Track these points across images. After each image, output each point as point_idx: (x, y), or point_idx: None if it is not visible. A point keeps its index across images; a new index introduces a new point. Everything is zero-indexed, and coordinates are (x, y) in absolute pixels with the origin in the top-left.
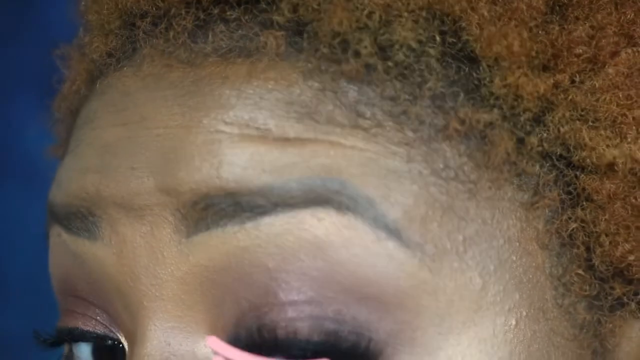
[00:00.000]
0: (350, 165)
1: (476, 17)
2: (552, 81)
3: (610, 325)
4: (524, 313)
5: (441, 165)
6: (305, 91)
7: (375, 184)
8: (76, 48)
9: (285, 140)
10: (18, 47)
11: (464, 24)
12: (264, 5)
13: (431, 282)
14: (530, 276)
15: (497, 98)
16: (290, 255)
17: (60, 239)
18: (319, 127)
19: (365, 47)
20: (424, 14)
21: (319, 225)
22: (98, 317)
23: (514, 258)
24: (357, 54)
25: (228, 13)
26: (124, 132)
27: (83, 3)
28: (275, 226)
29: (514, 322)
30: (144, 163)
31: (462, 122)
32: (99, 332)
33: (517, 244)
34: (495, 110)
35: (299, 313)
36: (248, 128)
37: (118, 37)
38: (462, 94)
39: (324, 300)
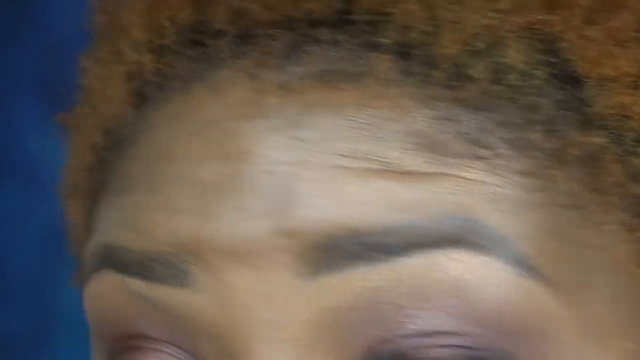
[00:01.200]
0: (477, 201)
1: (578, 36)
2: None
3: None
4: None
5: (557, 193)
6: (420, 120)
7: (503, 219)
8: (103, 63)
9: (407, 175)
10: (18, 47)
11: (565, 45)
12: (365, 27)
13: (564, 315)
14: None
15: (603, 119)
16: (425, 295)
17: (122, 287)
18: (440, 159)
19: (479, 71)
20: (526, 34)
21: (454, 265)
22: (173, 353)
23: (627, 282)
24: (471, 79)
25: (323, 34)
26: (222, 168)
27: (116, 15)
28: (407, 267)
29: (636, 347)
30: (256, 204)
31: (576, 146)
32: None
33: (625, 266)
34: (602, 132)
35: (438, 341)
36: (368, 162)
37: (182, 56)
38: (571, 117)
39: (464, 333)
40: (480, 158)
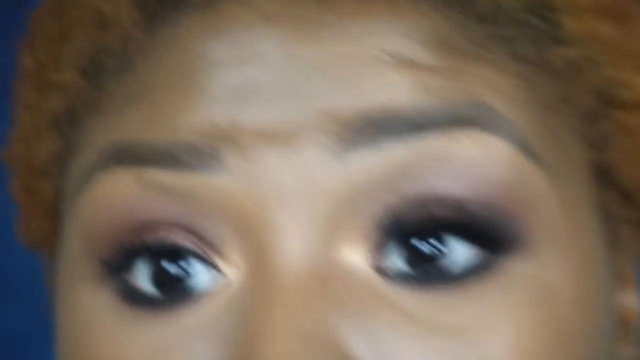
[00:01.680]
0: (488, 92)
1: None
2: (614, 33)
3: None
4: (601, 234)
5: (541, 95)
6: (442, 25)
7: (508, 108)
8: None
9: (434, 68)
10: (17, 47)
11: None
12: None
13: (553, 197)
14: (589, 199)
15: (575, 39)
16: (444, 168)
17: (137, 180)
18: (456, 57)
19: None
20: None
21: (471, 143)
22: (185, 236)
23: (587, 184)
24: (481, 1)
25: None
26: (261, 66)
27: None
28: (432, 143)
29: (597, 226)
30: (297, 91)
31: (554, 57)
32: (190, 248)
33: (584, 170)
34: (574, 50)
35: (447, 203)
36: (401, 56)
37: None
38: (552, 34)
39: (472, 199)
40: (486, 60)
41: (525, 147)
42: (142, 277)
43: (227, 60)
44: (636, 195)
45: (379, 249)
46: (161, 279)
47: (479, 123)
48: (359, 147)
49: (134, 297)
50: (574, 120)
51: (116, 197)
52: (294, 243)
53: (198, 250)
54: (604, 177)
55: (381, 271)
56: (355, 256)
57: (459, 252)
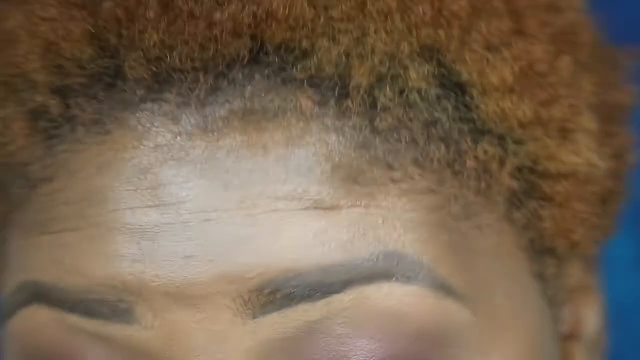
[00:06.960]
0: (398, 233)
1: (460, 45)
2: (534, 106)
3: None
4: (535, 315)
5: (457, 207)
6: (343, 153)
7: (421, 247)
8: None
9: (338, 210)
10: None
11: (450, 55)
12: (279, 63)
13: (474, 322)
14: (527, 282)
15: (488, 124)
16: (359, 325)
17: (58, 321)
18: (362, 190)
19: (390, 99)
20: (419, 51)
21: (384, 297)
22: None
23: (515, 268)
24: (381, 105)
25: (239, 73)
26: (159, 216)
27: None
28: (344, 301)
29: (531, 327)
30: (199, 251)
31: (469, 155)
32: None
33: (511, 254)
34: (490, 138)
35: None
36: (302, 201)
37: (90, 97)
38: (463, 127)
39: (392, 352)
40: (393, 181)
41: (440, 287)
42: None
43: (127, 208)
44: (569, 257)
45: None
46: None
47: (390, 275)
48: (270, 310)
49: None
50: (499, 208)
51: (38, 337)
52: None
53: None
54: (538, 246)
55: None
56: None
57: None
